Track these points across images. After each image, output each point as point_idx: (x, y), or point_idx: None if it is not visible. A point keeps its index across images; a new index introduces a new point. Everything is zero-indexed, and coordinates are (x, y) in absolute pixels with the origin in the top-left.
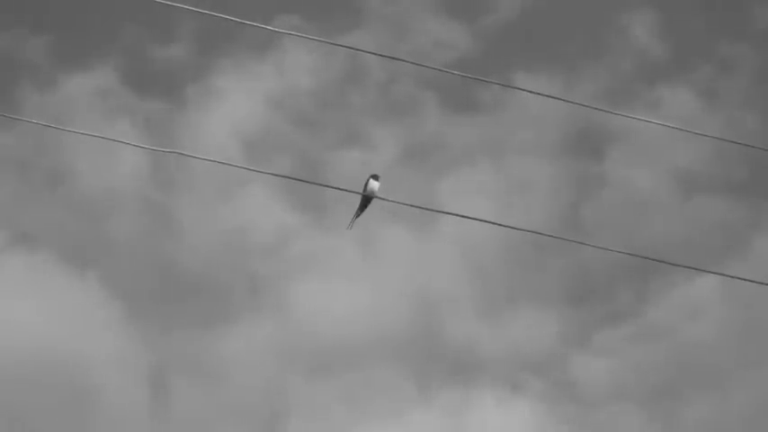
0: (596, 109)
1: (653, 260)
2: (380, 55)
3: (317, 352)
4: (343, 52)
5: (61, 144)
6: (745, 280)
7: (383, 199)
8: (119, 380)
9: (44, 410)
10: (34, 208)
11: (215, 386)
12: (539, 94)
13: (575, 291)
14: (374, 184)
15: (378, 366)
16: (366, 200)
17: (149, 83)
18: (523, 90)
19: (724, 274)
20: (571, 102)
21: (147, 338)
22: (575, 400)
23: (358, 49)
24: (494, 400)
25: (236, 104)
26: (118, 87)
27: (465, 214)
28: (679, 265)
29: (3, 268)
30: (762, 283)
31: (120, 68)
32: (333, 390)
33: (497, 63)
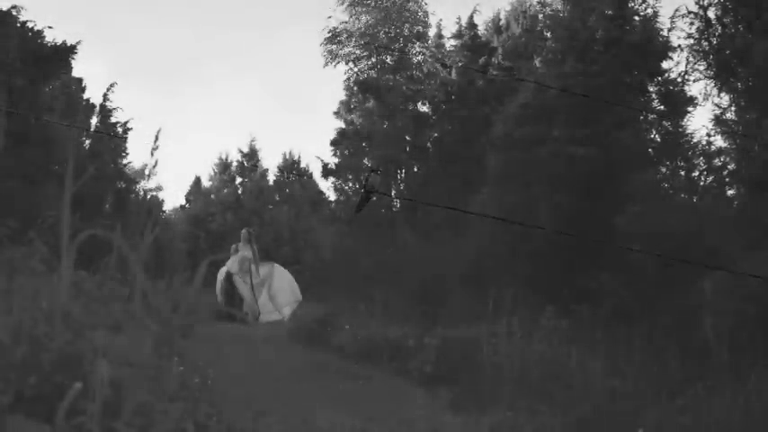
0: (604, 101)
1: (661, 257)
2: (380, 47)
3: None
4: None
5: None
6: (756, 277)
7: (384, 194)
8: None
9: None
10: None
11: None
12: (543, 84)
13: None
14: (375, 179)
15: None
16: (367, 194)
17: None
18: (528, 81)
19: (735, 272)
20: (577, 93)
21: None
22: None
23: (359, 43)
24: None
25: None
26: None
27: (466, 210)
28: (689, 263)
29: None
30: None
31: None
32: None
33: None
